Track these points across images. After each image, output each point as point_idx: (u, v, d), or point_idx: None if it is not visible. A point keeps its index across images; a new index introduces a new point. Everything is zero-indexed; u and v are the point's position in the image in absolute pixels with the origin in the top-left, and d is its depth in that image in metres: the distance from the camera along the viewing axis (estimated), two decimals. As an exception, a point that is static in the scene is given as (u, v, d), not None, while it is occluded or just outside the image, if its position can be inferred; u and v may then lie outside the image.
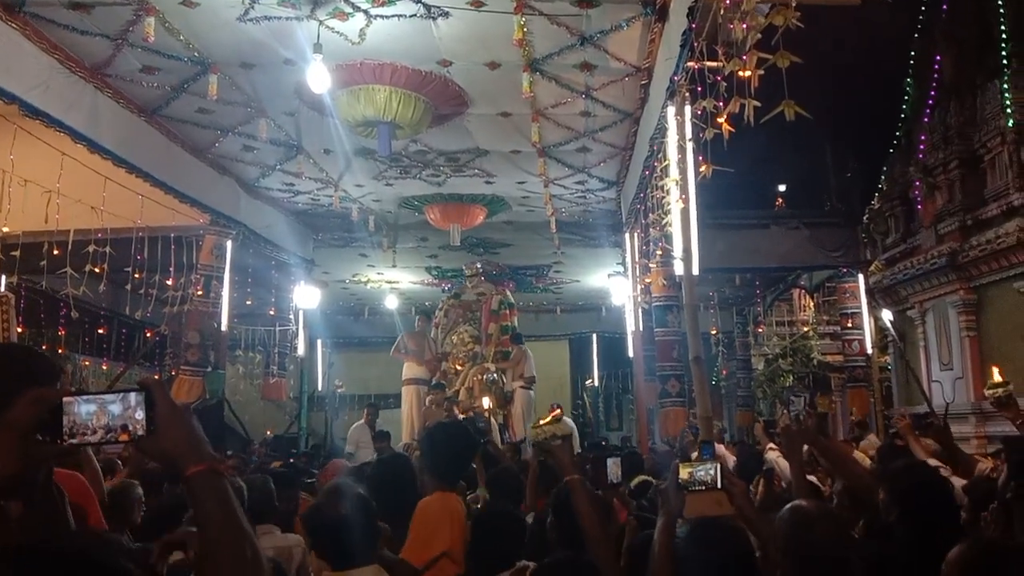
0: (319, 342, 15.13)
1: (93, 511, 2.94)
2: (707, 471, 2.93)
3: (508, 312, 12.79)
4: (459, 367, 12.32)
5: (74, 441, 1.34)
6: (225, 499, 1.33)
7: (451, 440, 3.62)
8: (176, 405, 1.38)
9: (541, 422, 3.43)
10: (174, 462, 1.35)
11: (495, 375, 11.76)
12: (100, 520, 3.00)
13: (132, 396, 1.35)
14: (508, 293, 13.10)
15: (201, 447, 1.36)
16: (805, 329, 15.91)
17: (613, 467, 3.56)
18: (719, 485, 2.90)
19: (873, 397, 12.42)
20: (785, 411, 14.06)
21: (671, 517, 2.79)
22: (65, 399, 1.35)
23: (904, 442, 4.49)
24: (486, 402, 11.33)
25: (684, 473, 2.91)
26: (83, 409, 1.34)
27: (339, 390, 16.17)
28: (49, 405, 1.33)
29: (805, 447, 3.86)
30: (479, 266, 13.49)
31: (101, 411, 1.34)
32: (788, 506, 2.64)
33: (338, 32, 6.53)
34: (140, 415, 1.35)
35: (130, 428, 1.35)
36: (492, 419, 11.03)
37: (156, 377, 6.05)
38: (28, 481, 1.50)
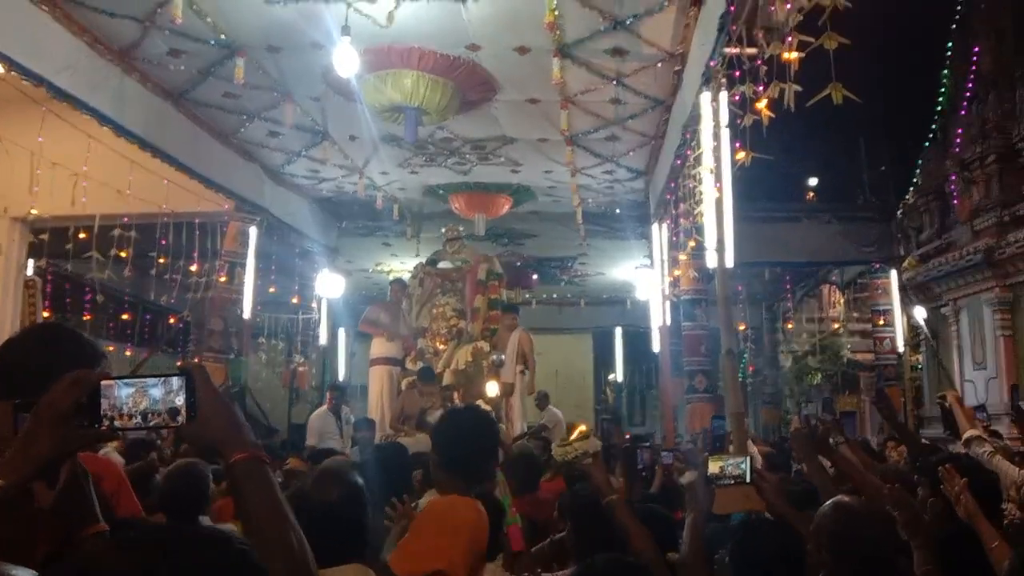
0: (341, 331, 15.08)
1: (126, 496, 2.86)
2: (737, 465, 2.89)
3: (497, 283, 10.81)
4: (440, 345, 10.39)
5: (112, 425, 1.31)
6: (269, 487, 1.31)
7: (476, 430, 2.92)
8: (218, 391, 1.35)
9: (570, 439, 3.13)
10: (216, 449, 1.33)
11: (502, 356, 9.77)
12: (134, 505, 2.91)
13: (174, 380, 1.31)
14: (496, 261, 11.10)
15: (243, 434, 1.34)
16: (835, 326, 15.67)
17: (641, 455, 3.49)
18: (748, 479, 2.82)
19: (904, 396, 12.19)
20: (796, 415, 13.88)
21: (700, 513, 2.74)
22: (104, 382, 1.31)
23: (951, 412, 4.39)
24: (492, 388, 9.44)
25: (714, 467, 2.86)
26: (123, 393, 1.31)
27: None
28: (88, 388, 1.30)
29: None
30: (461, 228, 11.36)
31: (141, 395, 1.31)
32: (830, 502, 2.53)
33: (366, 15, 6.44)
34: (181, 400, 1.31)
35: (171, 413, 1.31)
36: (495, 410, 9.21)
37: (196, 361, 6.04)
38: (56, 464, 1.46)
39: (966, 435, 4.13)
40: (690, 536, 2.71)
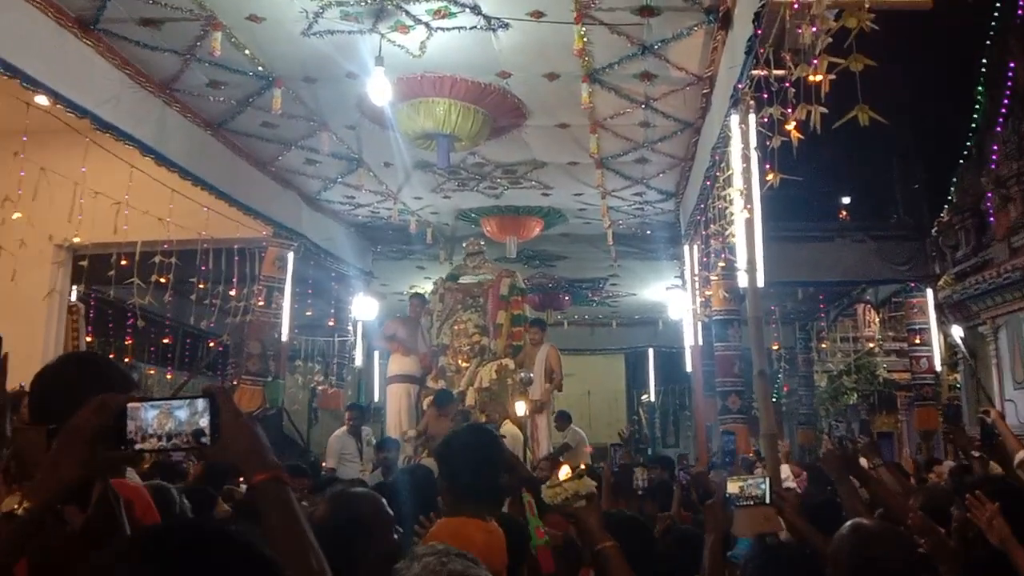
0: (376, 353, 15.20)
1: (153, 521, 2.93)
2: (757, 485, 2.84)
3: (520, 299, 10.46)
4: (462, 363, 9.99)
5: (139, 447, 1.34)
6: (289, 508, 1.32)
7: (475, 448, 2.85)
8: (240, 413, 1.38)
9: (560, 478, 2.68)
10: (239, 470, 1.36)
11: (530, 374, 9.44)
12: None
13: (199, 403, 1.34)
14: (518, 276, 10.76)
15: (266, 455, 1.35)
16: (870, 345, 15.47)
17: (640, 474, 3.42)
18: (768, 500, 2.79)
19: (942, 416, 12.00)
20: (827, 436, 13.67)
21: (719, 534, 2.69)
22: (130, 405, 1.34)
23: (995, 431, 4.33)
24: (520, 408, 9.07)
25: (733, 487, 2.81)
26: (148, 415, 1.33)
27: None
28: (114, 411, 1.33)
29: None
30: (482, 243, 11.04)
31: (166, 417, 1.33)
32: (848, 524, 2.50)
33: (399, 45, 6.59)
34: (205, 422, 1.34)
35: (195, 435, 1.34)
36: (520, 431, 8.91)
37: (221, 384, 6.15)
38: (85, 487, 1.49)
39: (1020, 456, 4.05)
40: (710, 558, 2.68)
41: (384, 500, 2.45)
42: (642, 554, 2.80)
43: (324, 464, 8.71)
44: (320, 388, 13.40)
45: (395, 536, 2.35)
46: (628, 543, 2.58)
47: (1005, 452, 4.28)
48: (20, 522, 1.27)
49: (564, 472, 2.84)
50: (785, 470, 8.13)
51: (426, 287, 15.07)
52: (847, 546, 2.34)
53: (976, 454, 4.68)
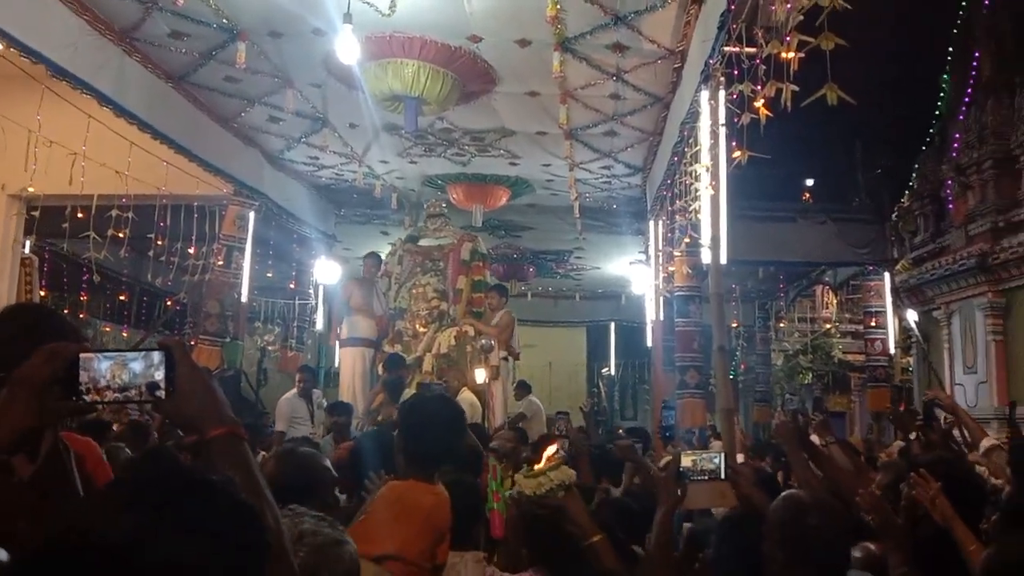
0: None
1: (105, 477, 2.89)
2: (711, 459, 2.82)
3: (481, 264, 10.05)
4: (420, 328, 9.56)
5: (89, 399, 1.30)
6: (246, 464, 1.29)
7: (444, 422, 2.90)
8: (197, 367, 1.35)
9: (536, 467, 2.48)
10: (194, 424, 1.31)
11: (491, 341, 9.05)
12: None
13: (155, 355, 1.31)
14: (480, 241, 10.38)
15: (222, 410, 1.32)
16: (827, 326, 15.76)
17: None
18: (723, 475, 2.78)
19: (892, 398, 12.27)
20: (780, 409, 13.93)
21: (670, 507, 2.68)
22: (83, 355, 1.30)
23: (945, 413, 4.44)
24: (480, 375, 8.81)
25: (686, 461, 2.78)
26: (101, 366, 1.30)
27: None
28: (65, 360, 1.29)
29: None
30: (444, 205, 10.61)
31: (120, 369, 1.30)
32: (781, 496, 2.54)
33: (368, 3, 6.44)
34: (160, 375, 1.30)
35: (149, 388, 1.30)
36: (479, 399, 8.71)
37: (176, 338, 6.06)
38: (34, 437, 1.46)
39: (986, 444, 4.11)
40: (658, 531, 2.65)
41: (327, 460, 2.46)
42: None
43: (275, 428, 8.36)
44: (271, 348, 13.27)
45: (336, 495, 2.37)
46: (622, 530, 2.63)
47: (947, 434, 4.36)
48: None
49: (547, 454, 2.81)
50: (740, 458, 8.24)
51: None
52: (778, 516, 2.37)
53: (914, 435, 4.76)
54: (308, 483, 2.47)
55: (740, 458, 6.48)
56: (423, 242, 10.42)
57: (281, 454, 2.57)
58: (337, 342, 10.31)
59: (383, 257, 10.37)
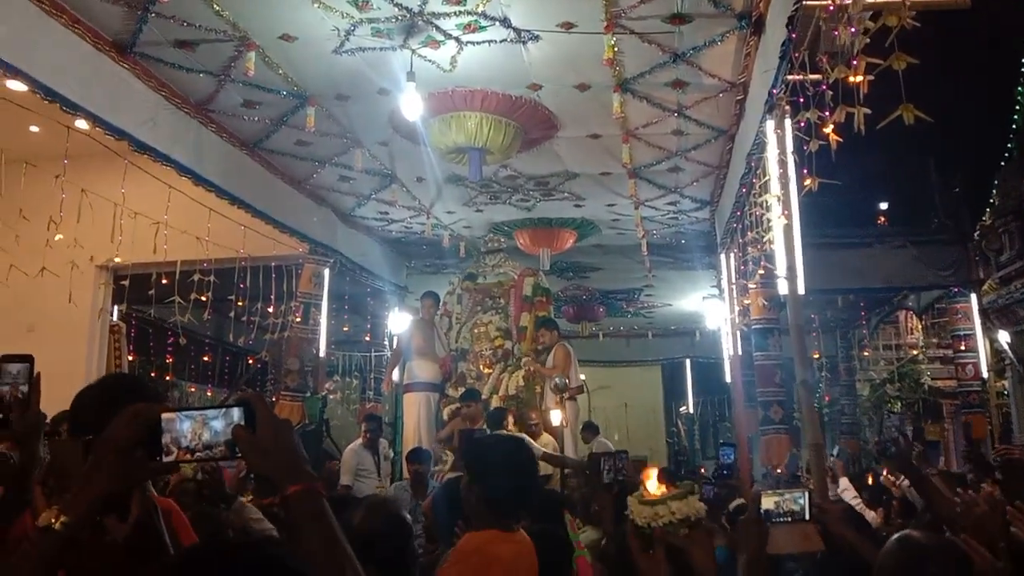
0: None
1: (186, 533, 2.96)
2: (795, 500, 2.65)
3: (544, 299, 9.71)
4: (485, 368, 9.28)
5: (171, 458, 1.32)
6: (324, 520, 1.30)
7: (518, 463, 2.67)
8: (278, 421, 1.35)
9: (656, 493, 2.40)
10: (273, 480, 1.32)
11: (565, 379, 8.61)
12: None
13: (234, 412, 1.32)
14: (542, 275, 9.96)
15: (300, 466, 1.33)
16: (914, 352, 15.15)
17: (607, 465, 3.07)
18: (808, 516, 2.57)
19: (991, 424, 11.70)
20: (877, 438, 13.37)
21: (753, 553, 2.44)
22: (165, 415, 1.32)
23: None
24: (556, 416, 8.43)
25: (768, 502, 2.60)
26: (183, 426, 1.31)
27: None
28: (147, 421, 1.32)
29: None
30: (502, 239, 10.22)
31: (201, 428, 1.31)
32: (895, 537, 2.34)
33: (430, 60, 6.61)
34: None
35: (229, 445, 1.31)
36: (553, 439, 8.26)
37: (257, 392, 6.18)
38: (123, 499, 1.49)
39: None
40: None
41: (405, 512, 2.44)
42: None
43: (340, 481, 8.14)
44: (332, 397, 13.42)
45: (414, 546, 2.34)
46: None
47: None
48: (56, 536, 1.27)
49: (653, 482, 2.44)
50: (844, 482, 7.95)
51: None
52: (892, 561, 2.21)
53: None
54: (396, 534, 2.46)
55: (844, 483, 6.13)
56: (481, 280, 10.17)
57: (371, 505, 2.57)
58: (394, 386, 10.06)
59: (442, 297, 10.13)
